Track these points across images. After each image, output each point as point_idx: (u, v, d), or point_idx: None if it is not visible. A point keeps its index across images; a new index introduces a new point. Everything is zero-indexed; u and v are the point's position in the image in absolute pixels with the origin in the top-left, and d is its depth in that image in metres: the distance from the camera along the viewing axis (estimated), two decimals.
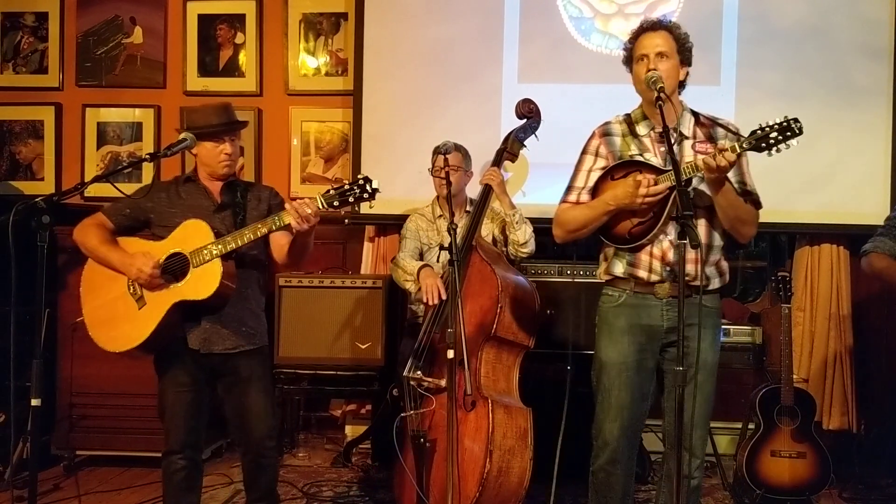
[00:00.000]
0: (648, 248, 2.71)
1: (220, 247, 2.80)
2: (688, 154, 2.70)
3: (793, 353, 3.88)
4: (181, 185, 3.07)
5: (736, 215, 2.69)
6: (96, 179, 3.01)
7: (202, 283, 2.81)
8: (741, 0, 4.52)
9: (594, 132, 2.86)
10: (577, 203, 2.81)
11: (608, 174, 2.75)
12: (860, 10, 4.46)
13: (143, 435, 4.19)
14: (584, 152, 2.86)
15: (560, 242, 2.92)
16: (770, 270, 4.89)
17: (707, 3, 4.55)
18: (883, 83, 4.43)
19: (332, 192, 2.70)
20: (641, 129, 2.78)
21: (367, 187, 2.68)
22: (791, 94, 4.41)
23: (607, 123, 2.86)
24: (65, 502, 3.87)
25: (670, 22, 2.80)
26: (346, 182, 2.71)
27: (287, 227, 2.78)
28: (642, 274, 2.72)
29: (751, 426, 3.95)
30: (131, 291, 2.93)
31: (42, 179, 5.10)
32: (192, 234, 2.86)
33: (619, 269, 2.77)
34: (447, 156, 3.55)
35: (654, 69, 2.64)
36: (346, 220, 4.63)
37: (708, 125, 2.78)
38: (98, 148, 5.10)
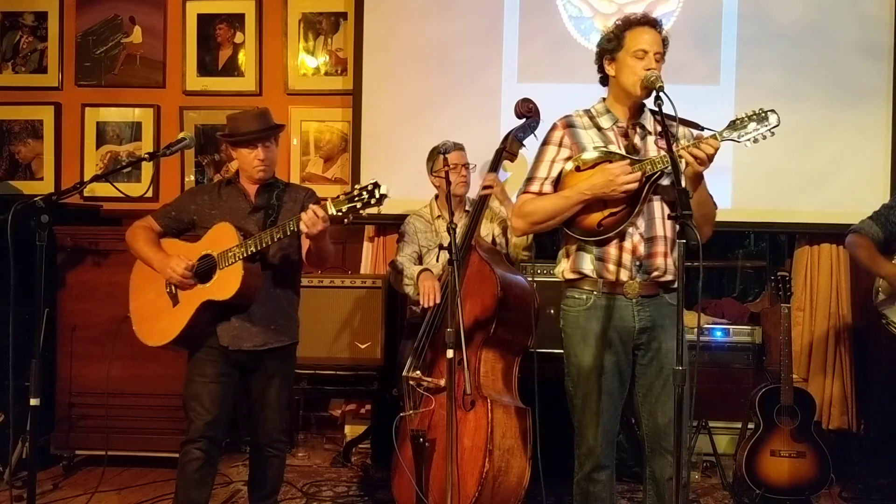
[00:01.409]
0: (617, 241, 2.68)
1: (242, 249, 2.92)
2: (651, 149, 2.71)
3: (792, 352, 3.88)
4: (223, 188, 3.21)
5: (707, 212, 2.69)
6: (95, 179, 3.02)
7: (226, 283, 2.96)
8: (741, 0, 4.52)
9: (555, 124, 2.82)
10: (541, 194, 2.76)
11: (574, 165, 2.71)
12: (860, 9, 4.46)
13: (143, 435, 4.19)
14: (546, 143, 2.81)
15: (519, 235, 2.90)
16: (769, 270, 4.89)
17: (707, 2, 4.54)
18: (883, 83, 4.44)
19: (341, 197, 2.77)
20: (604, 123, 2.76)
21: (376, 192, 2.72)
22: (791, 94, 4.40)
23: (569, 116, 2.83)
24: (64, 502, 3.86)
25: (661, 23, 2.77)
26: (357, 187, 2.76)
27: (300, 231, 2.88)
28: (611, 268, 2.68)
29: (750, 426, 3.95)
30: (168, 291, 3.09)
31: (41, 179, 5.10)
32: (221, 237, 3.01)
33: (588, 264, 2.71)
34: (447, 156, 3.55)
35: (653, 69, 2.63)
36: (346, 220, 4.62)
37: (674, 124, 2.77)
38: (97, 147, 5.10)
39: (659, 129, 2.73)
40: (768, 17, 4.51)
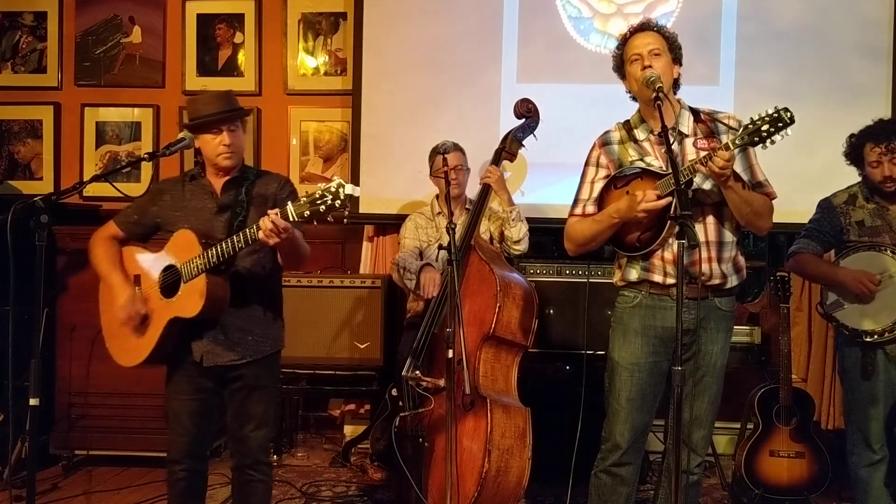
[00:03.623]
0: (660, 252, 2.70)
1: (204, 261, 2.66)
2: (689, 152, 2.69)
3: (791, 352, 3.88)
4: (187, 184, 2.93)
5: (751, 210, 2.67)
6: (95, 179, 2.99)
7: (191, 300, 2.71)
8: (740, 0, 4.52)
9: (594, 143, 2.86)
10: (584, 215, 2.81)
11: (611, 183, 2.76)
12: (859, 10, 4.47)
13: (142, 434, 4.19)
14: (586, 164, 2.86)
15: (573, 255, 2.92)
16: (769, 270, 4.88)
17: (706, 2, 4.55)
18: (882, 83, 4.44)
19: (303, 200, 2.48)
20: (640, 134, 2.77)
21: (341, 193, 2.41)
22: (790, 95, 4.40)
23: (606, 133, 2.85)
24: (63, 502, 3.86)
25: (657, 22, 2.80)
26: (321, 188, 2.45)
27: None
28: (657, 278, 2.71)
29: (749, 426, 3.95)
30: None
31: (41, 179, 5.11)
32: (183, 245, 2.75)
33: (634, 275, 2.76)
34: (447, 156, 3.56)
35: (650, 66, 2.64)
36: (346, 220, 4.63)
37: (707, 121, 2.76)
38: (97, 147, 5.10)
39: (699, 129, 2.75)
40: (767, 18, 4.51)
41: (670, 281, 2.69)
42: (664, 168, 2.67)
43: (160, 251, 2.86)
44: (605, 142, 2.83)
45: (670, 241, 2.67)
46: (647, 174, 2.67)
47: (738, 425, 4.27)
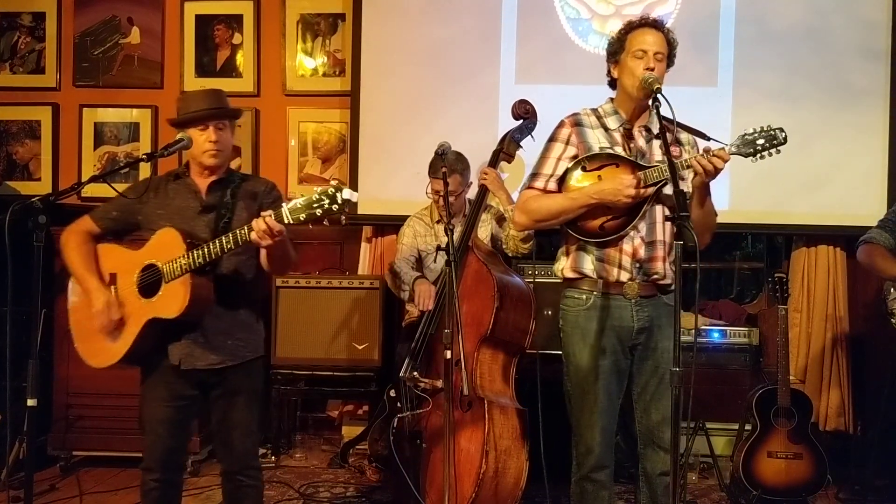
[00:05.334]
0: (619, 244, 2.69)
1: (189, 261, 2.61)
2: (657, 153, 2.72)
3: (789, 354, 3.88)
4: (170, 183, 2.86)
5: (710, 221, 2.73)
6: (93, 179, 2.97)
7: (173, 300, 2.65)
8: (739, 1, 4.52)
9: (563, 121, 2.82)
10: (545, 191, 2.76)
11: (579, 164, 2.73)
12: (858, 11, 4.47)
13: (140, 436, 4.15)
14: (553, 139, 2.81)
15: (521, 230, 2.91)
16: (767, 272, 4.90)
17: (705, 4, 4.55)
18: (880, 85, 4.44)
19: (300, 203, 2.43)
20: (611, 123, 2.77)
21: (338, 197, 2.36)
22: (788, 96, 4.41)
23: (576, 114, 2.83)
24: (61, 503, 3.86)
25: (665, 23, 2.80)
26: (318, 191, 2.42)
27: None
28: (612, 271, 2.70)
29: (747, 427, 3.95)
30: None
31: (39, 180, 5.10)
32: (166, 244, 2.69)
33: (588, 264, 2.74)
34: (448, 179, 3.48)
35: (652, 69, 2.64)
36: (343, 221, 4.62)
37: (670, 128, 2.78)
38: (95, 148, 5.09)
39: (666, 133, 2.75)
40: (766, 19, 4.51)
41: (624, 276, 2.70)
42: (635, 160, 2.69)
43: (139, 249, 2.79)
44: (577, 122, 2.80)
45: (632, 234, 2.69)
46: (625, 162, 2.67)
47: (736, 426, 4.27)
